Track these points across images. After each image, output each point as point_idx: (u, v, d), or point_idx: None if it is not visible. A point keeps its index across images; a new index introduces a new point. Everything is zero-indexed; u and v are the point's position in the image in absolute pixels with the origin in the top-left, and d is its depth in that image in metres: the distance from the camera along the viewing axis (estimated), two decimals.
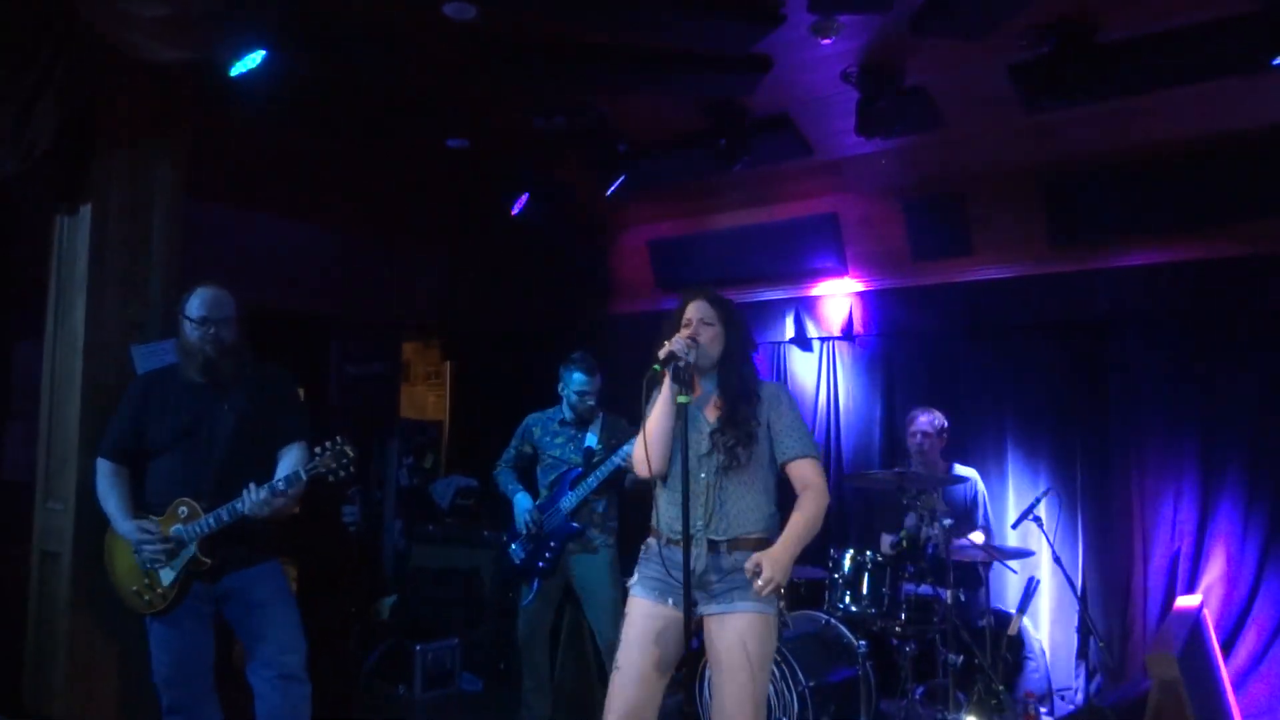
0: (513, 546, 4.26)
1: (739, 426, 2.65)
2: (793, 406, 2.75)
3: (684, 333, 2.67)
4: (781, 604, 2.62)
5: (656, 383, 2.63)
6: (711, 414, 2.72)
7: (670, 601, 2.60)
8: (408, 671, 4.97)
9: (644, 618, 2.63)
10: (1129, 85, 3.75)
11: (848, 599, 3.90)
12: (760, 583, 2.44)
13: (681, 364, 2.59)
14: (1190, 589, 4.21)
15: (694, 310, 2.74)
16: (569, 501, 4.05)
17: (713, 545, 2.61)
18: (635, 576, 2.73)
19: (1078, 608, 3.77)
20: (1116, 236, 4.42)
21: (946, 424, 4.59)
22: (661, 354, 2.60)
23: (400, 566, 5.98)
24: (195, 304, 3.05)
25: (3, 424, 4.53)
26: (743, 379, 2.72)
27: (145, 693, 3.29)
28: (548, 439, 4.14)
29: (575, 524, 4.01)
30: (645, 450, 2.65)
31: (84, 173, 3.43)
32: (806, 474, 2.66)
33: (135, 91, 3.50)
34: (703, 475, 2.66)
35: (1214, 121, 3.92)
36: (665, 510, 2.71)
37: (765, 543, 2.58)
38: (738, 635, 2.51)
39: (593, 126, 4.62)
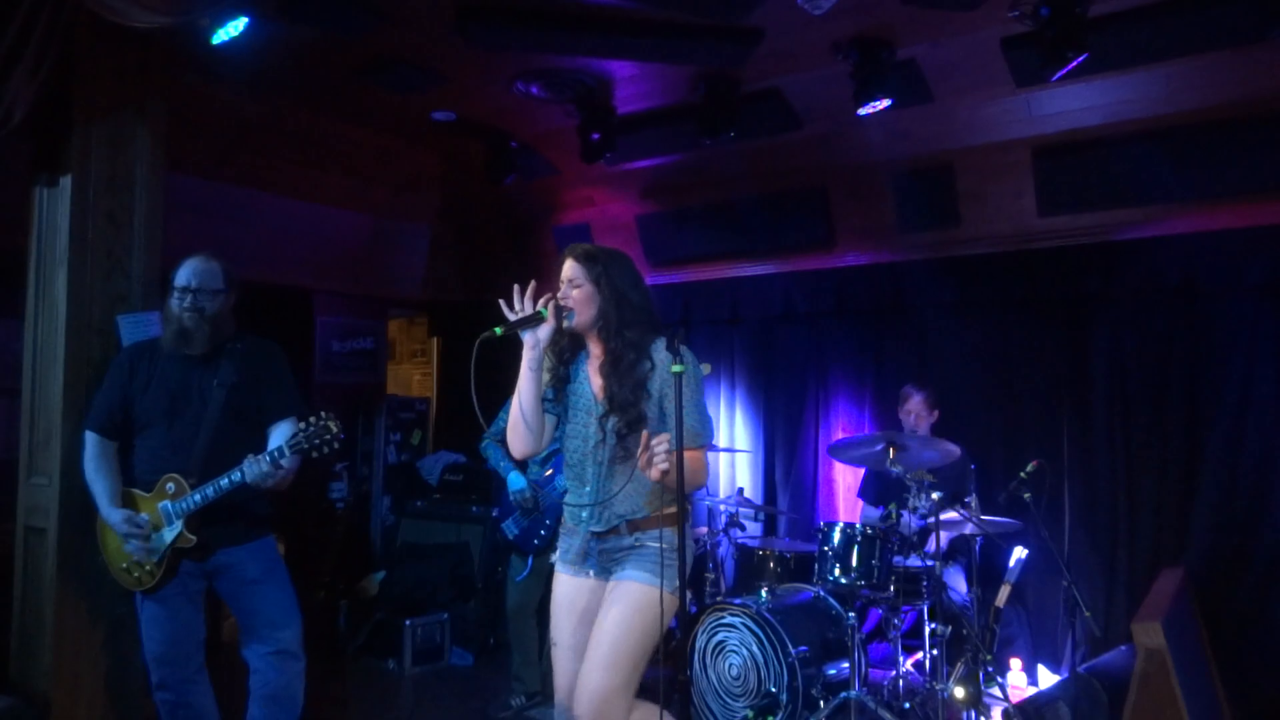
0: (506, 523, 4.26)
1: (625, 410, 2.41)
2: (692, 379, 2.42)
3: (535, 300, 2.45)
4: (689, 595, 2.49)
5: (491, 345, 2.34)
6: (600, 386, 2.51)
7: (590, 573, 2.54)
8: (397, 646, 4.98)
9: (566, 591, 2.57)
10: (1123, 58, 3.73)
11: (837, 571, 3.92)
12: (658, 443, 2.23)
13: (539, 333, 2.41)
14: (1175, 560, 4.26)
15: (564, 270, 2.53)
16: (564, 480, 4.05)
17: (600, 535, 2.50)
18: (557, 551, 2.64)
19: (1064, 578, 3.80)
20: (1107, 211, 4.42)
21: (936, 399, 4.62)
22: (511, 317, 2.43)
23: (388, 542, 5.97)
24: (182, 272, 3.02)
25: None
26: (626, 345, 2.44)
27: (133, 668, 3.29)
28: None
29: None
30: (515, 428, 2.51)
31: (63, 143, 3.36)
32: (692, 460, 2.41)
33: (114, 60, 3.43)
34: (590, 456, 2.51)
35: (1210, 94, 3.90)
36: (569, 490, 2.59)
37: (660, 520, 2.45)
38: (619, 599, 2.42)
39: (580, 98, 4.57)
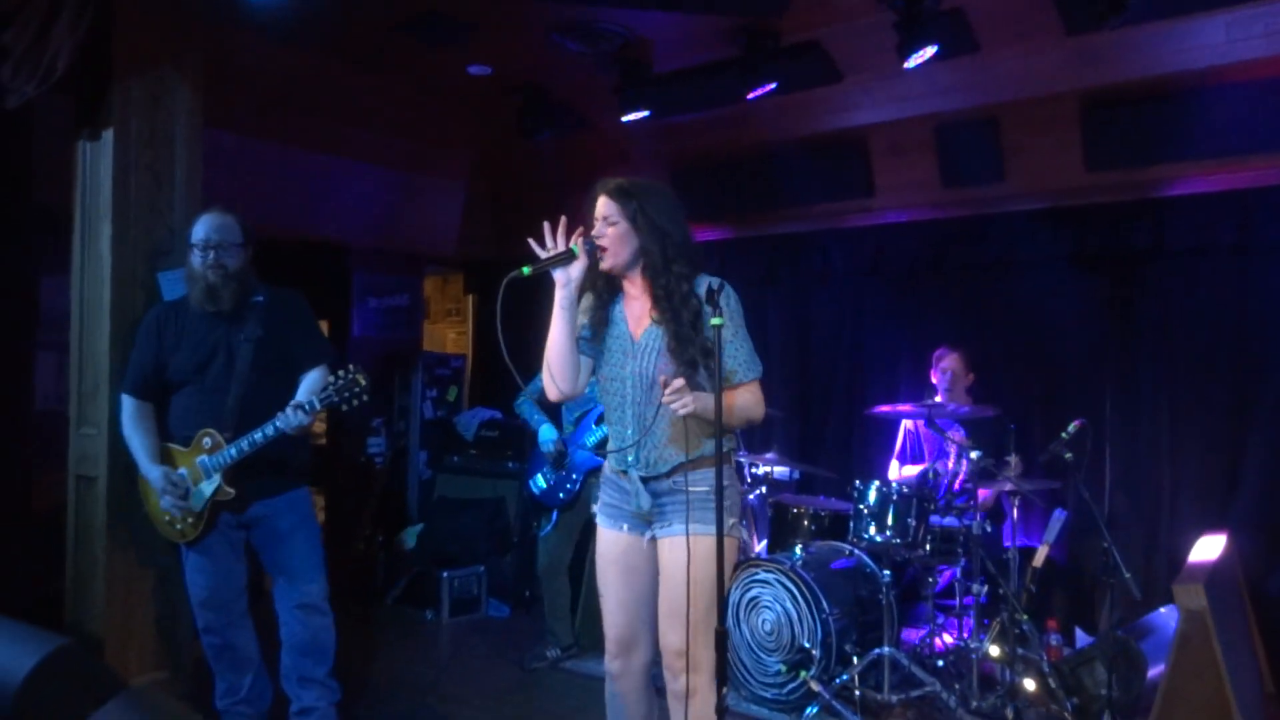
0: (535, 478, 4.30)
1: (686, 347, 2.31)
2: (735, 314, 2.38)
3: (568, 237, 2.35)
4: (733, 521, 2.41)
5: (523, 289, 2.25)
6: (637, 326, 2.45)
7: (624, 528, 2.50)
8: (435, 598, 5.07)
9: (607, 545, 2.54)
10: (1179, 4, 3.58)
11: (872, 530, 3.91)
12: (672, 390, 2.21)
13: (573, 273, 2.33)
14: (1219, 523, 4.18)
15: (598, 206, 2.42)
16: (594, 436, 4.07)
17: (646, 480, 2.43)
18: (598, 503, 2.60)
19: (1104, 540, 3.75)
20: (1157, 165, 4.29)
21: (972, 360, 4.55)
22: (542, 255, 2.33)
23: (425, 496, 6.06)
24: (199, 228, 3.01)
25: (34, 355, 4.58)
26: (676, 278, 2.35)
27: (182, 612, 3.39)
28: None
29: (600, 458, 4.04)
30: (548, 371, 2.42)
31: (105, 98, 3.39)
32: (743, 395, 2.39)
33: (152, 13, 3.44)
34: (628, 398, 2.42)
35: (1268, 44, 3.74)
36: (610, 437, 2.54)
37: (702, 463, 2.37)
38: (680, 555, 2.34)
39: (617, 52, 4.50)
